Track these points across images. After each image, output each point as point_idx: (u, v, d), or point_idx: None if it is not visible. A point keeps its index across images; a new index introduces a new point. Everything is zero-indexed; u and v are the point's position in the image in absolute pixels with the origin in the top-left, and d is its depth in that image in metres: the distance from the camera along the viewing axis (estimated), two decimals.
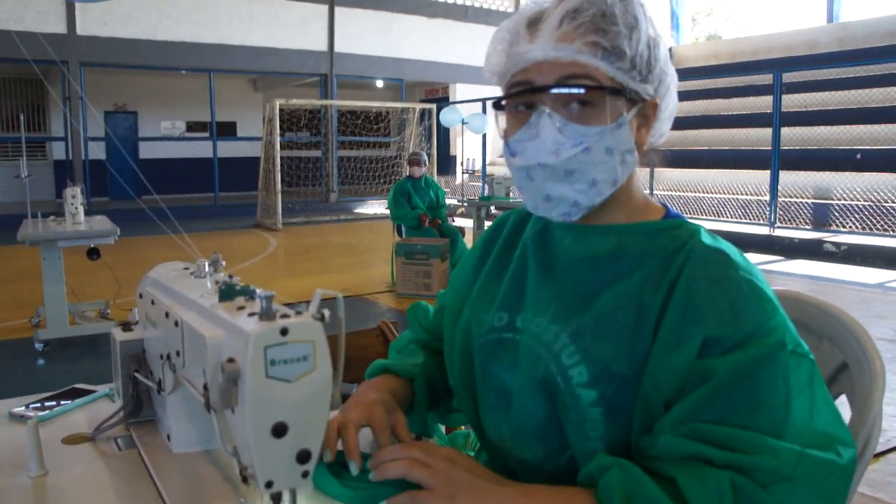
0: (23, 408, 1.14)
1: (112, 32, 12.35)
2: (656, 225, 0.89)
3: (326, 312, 0.72)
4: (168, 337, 0.93)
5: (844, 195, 9.03)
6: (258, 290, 0.78)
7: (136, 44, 12.54)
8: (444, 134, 15.22)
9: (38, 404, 1.16)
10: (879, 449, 2.82)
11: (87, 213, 4.78)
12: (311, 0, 14.27)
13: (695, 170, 11.09)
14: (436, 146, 13.58)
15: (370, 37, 15.12)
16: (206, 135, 15.09)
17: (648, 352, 0.81)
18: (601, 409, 0.82)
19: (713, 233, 0.88)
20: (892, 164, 9.04)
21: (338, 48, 14.76)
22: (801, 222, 9.08)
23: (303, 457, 0.72)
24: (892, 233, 8.01)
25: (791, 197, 9.31)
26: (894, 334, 4.66)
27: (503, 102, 0.88)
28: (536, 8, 0.86)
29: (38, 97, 14.55)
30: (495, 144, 15.59)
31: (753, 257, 7.82)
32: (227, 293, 0.82)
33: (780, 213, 9.04)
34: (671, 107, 0.90)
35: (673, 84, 0.90)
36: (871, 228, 8.26)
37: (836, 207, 8.81)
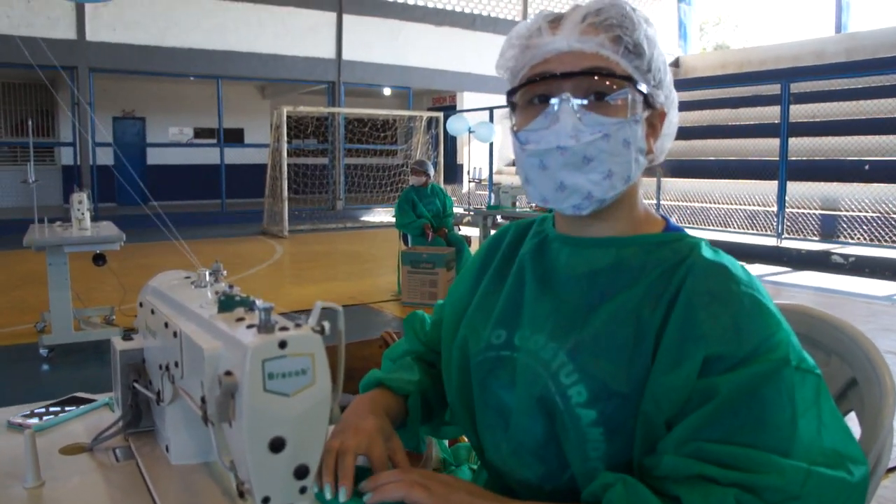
0: (21, 417, 1.13)
1: (121, 39, 12.42)
2: (656, 238, 0.88)
3: (326, 325, 0.71)
4: (167, 347, 0.92)
5: (852, 206, 8.98)
6: (257, 302, 0.77)
7: (144, 50, 12.62)
8: (451, 142, 15.22)
9: (39, 412, 1.15)
10: (890, 465, 2.75)
11: (94, 218, 4.79)
12: (320, 7, 14.35)
13: (702, 180, 11.06)
14: (443, 154, 13.59)
15: (378, 45, 15.18)
16: (214, 141, 15.16)
17: (648, 369, 0.79)
18: (601, 429, 0.81)
19: (718, 244, 0.87)
20: None
21: (345, 56, 14.82)
22: (808, 233, 9.03)
23: (301, 472, 0.71)
24: None
25: (798, 208, 9.27)
26: None
27: (517, 94, 0.88)
28: (554, 12, 0.88)
29: (46, 102, 14.64)
30: (502, 153, 15.60)
31: (760, 268, 7.78)
32: (226, 304, 0.81)
33: (788, 223, 8.99)
34: (673, 124, 0.92)
35: (675, 105, 0.92)
36: (879, 240, 8.20)
37: (845, 219, 8.76)
